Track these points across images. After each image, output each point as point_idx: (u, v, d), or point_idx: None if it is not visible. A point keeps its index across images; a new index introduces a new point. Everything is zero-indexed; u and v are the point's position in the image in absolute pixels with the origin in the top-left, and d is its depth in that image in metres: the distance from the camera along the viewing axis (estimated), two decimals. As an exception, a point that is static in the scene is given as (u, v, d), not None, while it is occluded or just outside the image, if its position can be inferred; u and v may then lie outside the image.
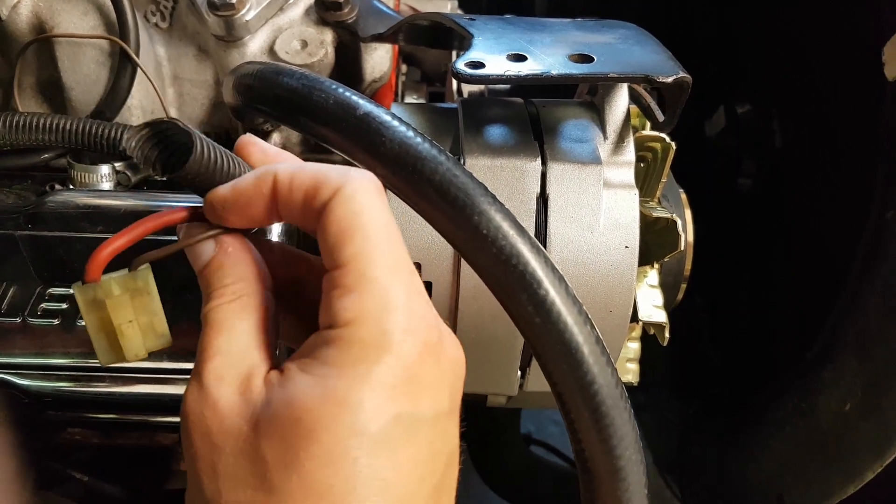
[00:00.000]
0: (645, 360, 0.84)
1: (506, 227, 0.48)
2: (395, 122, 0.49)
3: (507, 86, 1.02)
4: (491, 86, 1.00)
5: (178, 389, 0.72)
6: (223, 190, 0.49)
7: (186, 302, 0.70)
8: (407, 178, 0.49)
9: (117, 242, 0.49)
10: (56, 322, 0.72)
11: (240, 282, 0.49)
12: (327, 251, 0.46)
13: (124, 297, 0.49)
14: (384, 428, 0.43)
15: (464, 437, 1.44)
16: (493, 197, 0.49)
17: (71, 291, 0.73)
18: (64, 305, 0.72)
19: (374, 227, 0.46)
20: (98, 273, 0.49)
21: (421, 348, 0.46)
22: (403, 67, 1.12)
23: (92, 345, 0.50)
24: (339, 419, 0.43)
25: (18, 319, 0.72)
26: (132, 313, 0.50)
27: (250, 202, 0.48)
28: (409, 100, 1.07)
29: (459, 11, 1.23)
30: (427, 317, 0.47)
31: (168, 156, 0.49)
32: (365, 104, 0.50)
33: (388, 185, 0.50)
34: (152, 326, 0.51)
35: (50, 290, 0.73)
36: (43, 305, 0.73)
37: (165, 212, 0.51)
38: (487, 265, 0.48)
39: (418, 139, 0.49)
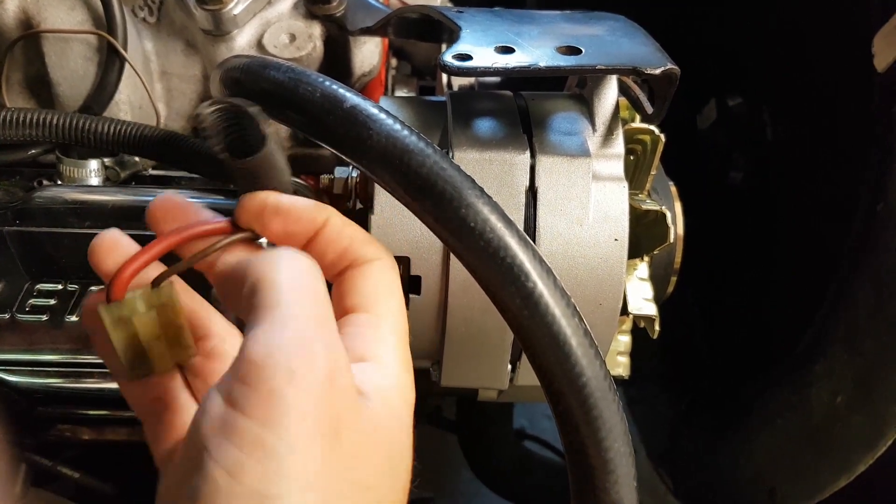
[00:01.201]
0: (637, 354, 0.84)
1: (493, 219, 0.47)
2: (383, 115, 0.49)
3: (497, 79, 1.02)
4: (480, 79, 1.00)
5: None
6: (280, 197, 0.50)
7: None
8: (394, 171, 0.48)
9: (140, 260, 0.48)
10: (45, 318, 0.72)
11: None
12: (359, 296, 0.51)
13: (150, 313, 0.48)
14: None
15: (456, 431, 1.44)
16: (481, 190, 0.48)
17: (59, 287, 0.73)
18: (52, 301, 0.72)
19: (402, 301, 0.53)
20: (122, 292, 0.48)
21: None
22: (394, 61, 1.12)
23: (116, 358, 0.49)
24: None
25: (7, 316, 0.72)
26: (159, 328, 0.49)
27: (299, 221, 0.50)
28: (399, 94, 1.06)
29: (449, 4, 1.22)
30: None
31: (234, 139, 0.49)
32: (352, 97, 0.50)
33: (375, 178, 0.50)
34: (178, 339, 0.50)
35: (38, 286, 0.73)
36: (31, 301, 0.72)
37: (195, 225, 0.50)
38: (475, 258, 0.48)
39: (405, 132, 0.49)
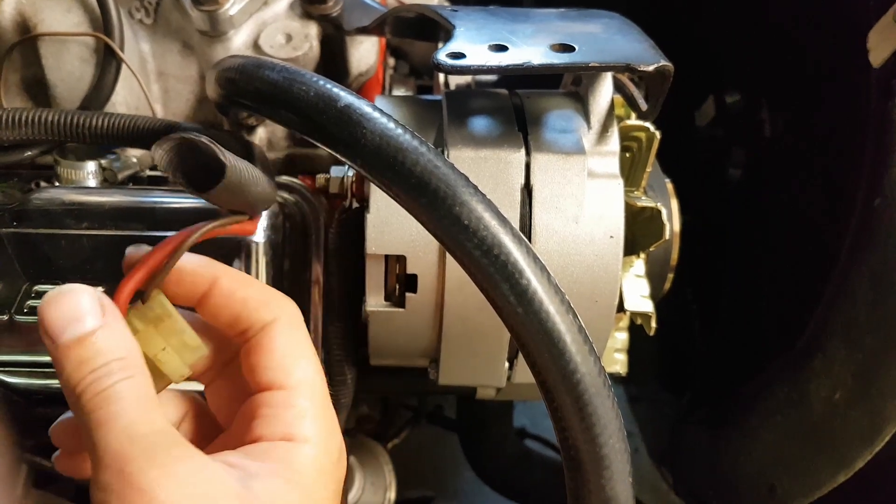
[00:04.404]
0: (638, 353, 0.84)
1: (487, 217, 0.48)
2: (376, 114, 0.49)
3: (494, 77, 1.02)
4: (478, 77, 1.00)
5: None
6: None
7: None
8: (387, 169, 0.49)
9: (130, 284, 0.50)
10: (43, 319, 0.72)
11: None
12: (270, 371, 0.52)
13: (149, 329, 0.50)
14: None
15: (457, 430, 1.43)
16: (475, 188, 0.48)
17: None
18: (50, 302, 0.72)
19: (314, 356, 0.54)
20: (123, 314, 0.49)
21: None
22: (392, 60, 1.12)
23: None
24: None
25: (5, 317, 0.72)
26: (162, 340, 0.51)
27: (180, 284, 0.52)
28: (396, 93, 1.07)
29: (447, 2, 1.22)
30: None
31: (195, 171, 0.50)
32: (346, 96, 0.50)
33: (369, 177, 0.50)
34: (184, 344, 0.52)
35: (36, 288, 0.73)
36: (30, 303, 0.72)
37: (167, 242, 0.51)
38: (469, 256, 0.48)
39: (399, 131, 0.49)
